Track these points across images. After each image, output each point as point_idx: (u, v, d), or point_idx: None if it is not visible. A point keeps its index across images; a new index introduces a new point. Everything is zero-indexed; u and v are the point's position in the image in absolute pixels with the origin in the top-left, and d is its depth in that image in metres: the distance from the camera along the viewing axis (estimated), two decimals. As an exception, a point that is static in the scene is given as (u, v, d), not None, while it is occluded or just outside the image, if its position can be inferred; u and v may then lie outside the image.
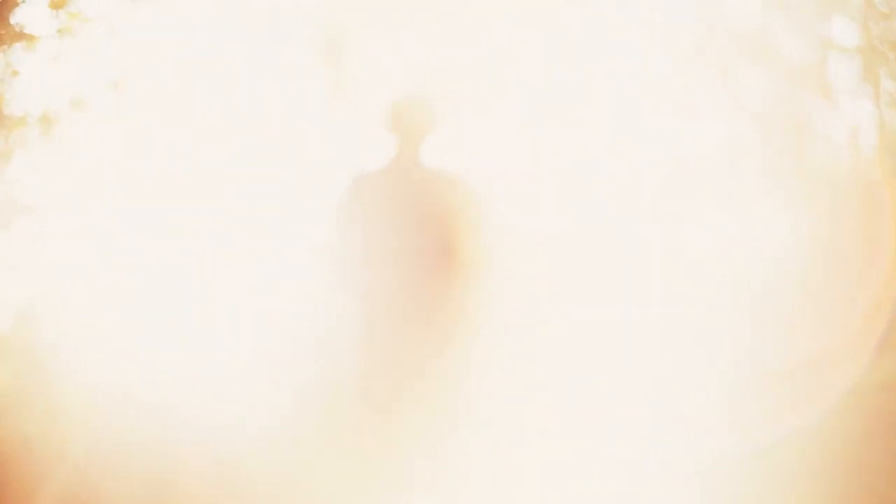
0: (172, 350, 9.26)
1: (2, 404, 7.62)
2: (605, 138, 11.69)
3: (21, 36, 9.15)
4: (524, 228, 4.35)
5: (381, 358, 4.22)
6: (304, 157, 10.55)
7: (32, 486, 5.77)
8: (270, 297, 10.03)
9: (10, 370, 8.38)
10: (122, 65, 9.64)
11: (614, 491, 5.60)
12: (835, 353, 9.83)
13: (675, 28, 11.62)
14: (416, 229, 4.20)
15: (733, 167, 11.73)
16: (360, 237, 4.26)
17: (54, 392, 8.10)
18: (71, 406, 7.76)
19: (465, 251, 4.19)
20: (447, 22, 10.92)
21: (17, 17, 9.14)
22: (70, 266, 10.07)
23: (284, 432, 7.18)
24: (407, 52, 11.08)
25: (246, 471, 6.23)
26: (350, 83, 10.92)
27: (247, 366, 8.72)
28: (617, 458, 6.25)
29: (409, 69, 11.10)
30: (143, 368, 8.70)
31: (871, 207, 11.45)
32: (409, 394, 4.20)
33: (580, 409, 7.65)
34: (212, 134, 10.23)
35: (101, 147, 9.76)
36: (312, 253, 4.37)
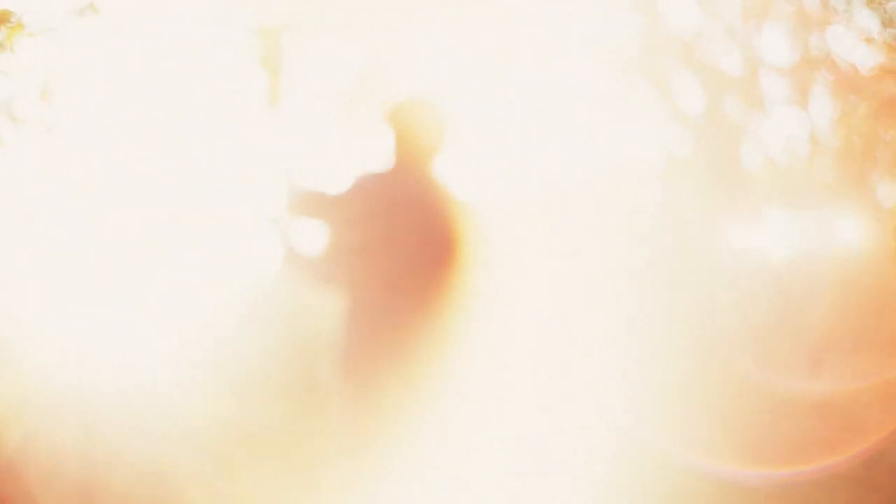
0: (116, 349, 9.15)
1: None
2: (550, 145, 11.79)
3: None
4: (499, 228, 4.32)
5: (363, 354, 4.18)
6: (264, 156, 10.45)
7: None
8: (236, 294, 9.96)
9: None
10: (64, 74, 9.53)
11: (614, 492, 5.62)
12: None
13: (615, 39, 11.77)
14: (410, 229, 4.17)
15: (672, 174, 11.88)
16: (351, 235, 4.21)
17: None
18: (4, 405, 7.63)
19: (458, 253, 4.18)
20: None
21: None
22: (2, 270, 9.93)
23: (249, 431, 7.11)
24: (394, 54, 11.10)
25: (202, 468, 6.16)
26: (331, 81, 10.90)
27: (203, 360, 8.64)
28: (612, 463, 6.27)
29: (406, 71, 11.10)
30: (82, 367, 8.59)
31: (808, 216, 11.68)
32: (392, 390, 4.16)
33: (577, 411, 7.66)
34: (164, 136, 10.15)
35: (42, 153, 9.66)
36: (285, 245, 4.29)
